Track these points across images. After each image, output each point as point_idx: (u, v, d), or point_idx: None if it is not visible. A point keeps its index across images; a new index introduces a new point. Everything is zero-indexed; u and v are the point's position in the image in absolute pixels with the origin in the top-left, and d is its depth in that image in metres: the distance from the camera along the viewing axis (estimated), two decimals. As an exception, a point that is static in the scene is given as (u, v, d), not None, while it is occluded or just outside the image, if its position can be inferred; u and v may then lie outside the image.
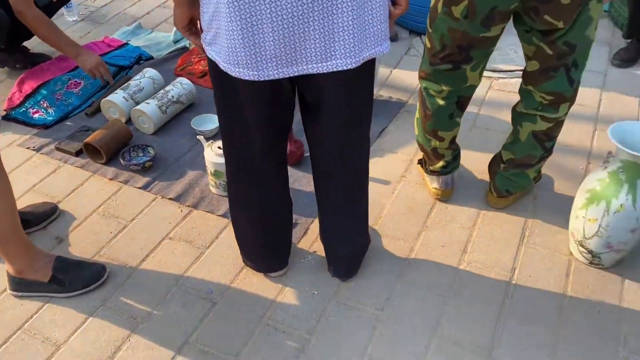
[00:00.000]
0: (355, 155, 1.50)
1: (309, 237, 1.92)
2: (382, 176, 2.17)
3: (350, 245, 1.68)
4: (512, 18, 1.61)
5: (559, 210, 1.96)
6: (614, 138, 1.58)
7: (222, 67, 1.26)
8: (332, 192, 1.57)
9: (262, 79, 1.23)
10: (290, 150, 2.17)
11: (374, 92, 2.34)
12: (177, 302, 1.70)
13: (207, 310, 1.67)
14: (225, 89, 1.36)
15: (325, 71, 1.23)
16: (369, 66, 1.33)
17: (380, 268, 1.80)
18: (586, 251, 1.76)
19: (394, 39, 3.02)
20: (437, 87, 1.78)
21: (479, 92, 2.55)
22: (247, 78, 1.23)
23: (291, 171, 2.17)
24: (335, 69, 1.23)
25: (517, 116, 1.83)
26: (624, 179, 1.61)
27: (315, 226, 1.96)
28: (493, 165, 2.01)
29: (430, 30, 1.68)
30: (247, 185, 1.54)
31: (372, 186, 2.13)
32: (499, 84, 2.67)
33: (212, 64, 1.32)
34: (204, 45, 1.30)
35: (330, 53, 1.20)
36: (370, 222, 1.97)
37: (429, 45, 1.72)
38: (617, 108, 2.49)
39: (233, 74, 1.24)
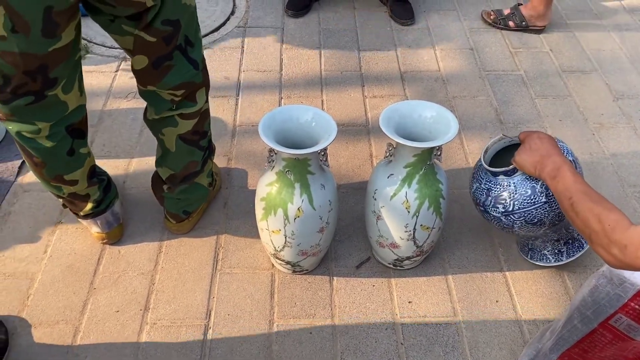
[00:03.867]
0: None
1: None
2: (27, 232, 1.61)
3: None
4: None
5: (255, 213, 1.66)
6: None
7: None
8: None
9: None
10: None
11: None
12: None
13: None
14: None
15: None
16: None
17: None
18: (284, 262, 1.49)
19: None
20: (31, 127, 1.24)
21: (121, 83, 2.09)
22: None
23: None
24: None
25: (153, 124, 1.42)
26: (293, 179, 1.33)
27: None
28: (157, 189, 1.59)
29: None
30: None
31: (13, 253, 1.56)
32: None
33: None
34: None
35: None
36: (14, 310, 1.43)
37: None
38: (299, 65, 2.27)
39: None
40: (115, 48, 2.27)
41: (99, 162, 1.78)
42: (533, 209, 1.35)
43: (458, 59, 2.33)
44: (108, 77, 2.15)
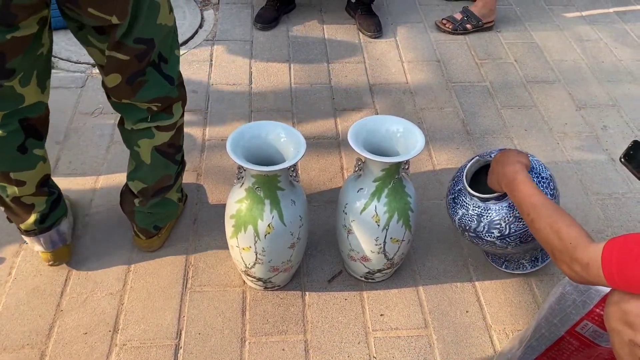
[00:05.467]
0: None
1: None
2: (-10, 254, 1.57)
3: None
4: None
5: (224, 230, 1.65)
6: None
7: None
8: None
9: None
10: None
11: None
12: None
13: None
14: None
15: None
16: None
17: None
18: (255, 279, 1.48)
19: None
20: None
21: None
22: None
23: None
24: None
25: (129, 135, 1.41)
26: (263, 195, 1.33)
27: None
28: (126, 204, 1.56)
29: None
30: None
31: (-25, 275, 1.52)
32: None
33: None
34: None
35: None
36: (-23, 335, 1.39)
37: None
38: (268, 78, 2.27)
39: None
40: (81, 63, 2.24)
41: (65, 180, 1.77)
42: (528, 229, 1.36)
43: (425, 71, 2.37)
44: (74, 93, 2.11)
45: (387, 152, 1.39)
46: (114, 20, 1.12)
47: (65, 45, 2.27)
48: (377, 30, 2.52)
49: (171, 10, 1.26)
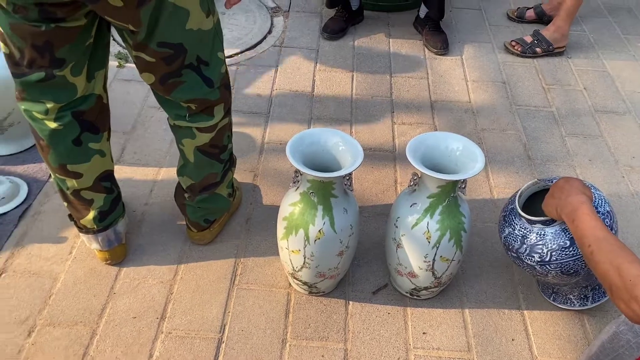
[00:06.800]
0: None
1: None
2: (55, 232, 1.65)
3: None
4: None
5: (275, 231, 1.68)
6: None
7: None
8: None
9: None
10: None
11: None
12: None
13: None
14: None
15: None
16: None
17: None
18: (301, 282, 1.50)
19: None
20: (40, 107, 1.29)
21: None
22: None
23: None
24: None
25: (174, 131, 1.46)
26: (317, 201, 1.34)
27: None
28: (178, 197, 1.62)
29: (0, 29, 1.19)
30: None
31: (40, 251, 1.60)
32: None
33: None
34: None
35: None
36: (38, 307, 1.46)
37: (5, 49, 1.22)
38: (330, 87, 2.29)
39: None
40: (154, 59, 2.33)
41: (129, 169, 1.85)
42: (571, 260, 1.32)
43: (489, 91, 2.33)
44: (144, 87, 2.20)
45: (444, 169, 1.38)
46: (131, 27, 1.17)
47: (141, 41, 2.38)
48: (443, 47, 2.51)
49: (210, 14, 1.26)
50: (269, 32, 2.59)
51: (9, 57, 1.23)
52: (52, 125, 1.31)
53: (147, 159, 1.92)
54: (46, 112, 1.30)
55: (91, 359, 1.37)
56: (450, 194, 1.34)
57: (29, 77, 1.24)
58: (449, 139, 1.38)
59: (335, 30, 2.55)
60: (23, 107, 1.31)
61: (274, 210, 1.74)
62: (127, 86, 2.20)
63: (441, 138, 1.38)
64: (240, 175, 1.86)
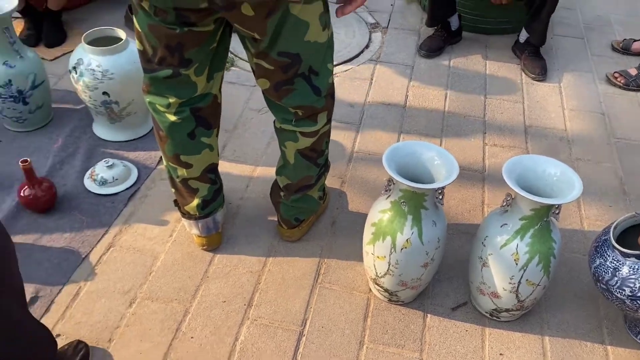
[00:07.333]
0: None
1: (53, 314, 1.50)
2: (158, 215, 1.80)
3: None
4: None
5: (360, 235, 1.72)
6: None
7: None
8: None
9: None
10: (35, 195, 1.71)
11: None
12: None
13: None
14: None
15: None
16: None
17: (142, 347, 1.45)
18: (382, 289, 1.54)
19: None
20: (163, 101, 1.42)
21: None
22: None
23: (40, 221, 1.73)
24: None
25: (278, 133, 1.55)
26: (407, 211, 1.39)
27: (63, 297, 1.54)
28: (274, 195, 1.72)
29: (138, 28, 1.32)
30: None
31: (144, 231, 1.75)
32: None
33: None
34: None
35: None
36: (139, 281, 1.60)
37: (140, 47, 1.36)
38: (423, 103, 2.33)
39: None
40: (257, 64, 2.47)
41: (228, 165, 1.97)
42: None
43: (587, 121, 2.28)
44: (247, 90, 2.34)
45: (538, 193, 1.38)
46: (256, 35, 1.26)
47: (246, 47, 2.53)
48: (541, 73, 2.48)
49: (326, 28, 1.34)
50: (367, 46, 2.67)
51: (142, 53, 1.37)
52: (172, 118, 1.44)
53: (245, 157, 2.04)
54: (168, 105, 1.43)
55: (183, 334, 1.48)
56: (543, 218, 1.34)
57: (158, 74, 1.37)
58: (547, 163, 1.38)
59: (433, 48, 2.59)
60: (148, 99, 1.45)
61: (359, 216, 1.80)
62: (231, 88, 2.34)
63: (539, 161, 1.39)
64: (329, 180, 1.94)
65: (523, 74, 2.53)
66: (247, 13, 1.19)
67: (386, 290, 1.54)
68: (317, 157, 1.57)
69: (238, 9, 1.18)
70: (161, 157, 1.99)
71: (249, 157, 2.03)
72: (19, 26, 2.55)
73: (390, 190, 1.44)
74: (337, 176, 1.98)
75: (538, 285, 1.41)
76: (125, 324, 1.50)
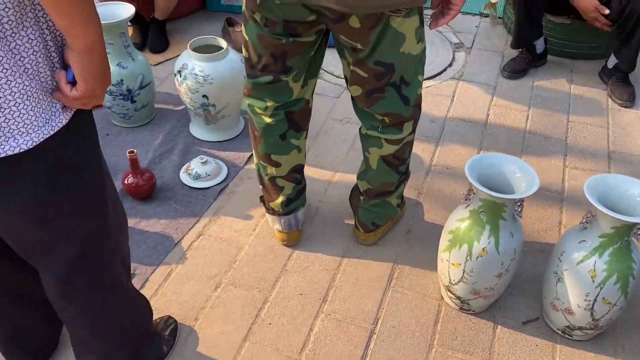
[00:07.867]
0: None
1: (147, 291, 1.65)
2: (244, 210, 1.93)
3: None
4: None
5: (434, 245, 1.78)
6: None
7: None
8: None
9: None
10: (137, 184, 1.89)
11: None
12: None
13: None
14: None
15: None
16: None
17: (224, 328, 1.56)
18: (454, 296, 1.58)
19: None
20: (262, 104, 1.55)
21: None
22: None
23: (139, 207, 1.90)
24: None
25: (363, 139, 1.63)
26: (485, 220, 1.43)
27: (157, 277, 1.69)
28: (353, 199, 1.80)
29: (246, 37, 1.45)
30: None
31: (231, 223, 1.88)
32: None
33: None
34: None
35: None
36: (224, 268, 1.73)
37: (246, 54, 1.49)
38: (504, 123, 2.35)
39: None
40: (341, 77, 2.59)
41: (310, 169, 2.08)
42: None
43: (677, 150, 2.22)
44: (330, 101, 2.46)
45: (619, 213, 1.38)
46: (359, 46, 1.35)
47: (331, 61, 2.66)
48: (629, 99, 2.43)
49: (420, 41, 1.41)
50: (450, 65, 2.72)
51: (247, 60, 1.50)
52: (267, 120, 1.57)
53: (325, 163, 2.14)
54: (265, 108, 1.56)
55: (262, 321, 1.59)
56: (624, 237, 1.35)
57: (260, 79, 1.50)
58: (630, 184, 1.39)
59: (517, 70, 2.60)
60: (248, 102, 1.59)
61: (434, 227, 1.85)
62: (315, 99, 2.43)
63: (622, 181, 1.39)
64: (406, 190, 2.00)
65: (609, 99, 2.49)
66: (354, 25, 1.29)
67: (458, 298, 1.58)
68: (399, 164, 1.64)
69: (346, 21, 1.29)
70: (249, 157, 2.13)
71: (329, 163, 2.14)
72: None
73: (470, 199, 1.49)
74: (414, 187, 2.04)
75: (614, 305, 1.40)
76: (210, 306, 1.62)
